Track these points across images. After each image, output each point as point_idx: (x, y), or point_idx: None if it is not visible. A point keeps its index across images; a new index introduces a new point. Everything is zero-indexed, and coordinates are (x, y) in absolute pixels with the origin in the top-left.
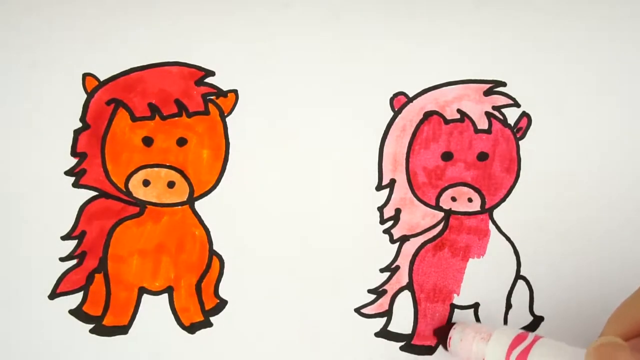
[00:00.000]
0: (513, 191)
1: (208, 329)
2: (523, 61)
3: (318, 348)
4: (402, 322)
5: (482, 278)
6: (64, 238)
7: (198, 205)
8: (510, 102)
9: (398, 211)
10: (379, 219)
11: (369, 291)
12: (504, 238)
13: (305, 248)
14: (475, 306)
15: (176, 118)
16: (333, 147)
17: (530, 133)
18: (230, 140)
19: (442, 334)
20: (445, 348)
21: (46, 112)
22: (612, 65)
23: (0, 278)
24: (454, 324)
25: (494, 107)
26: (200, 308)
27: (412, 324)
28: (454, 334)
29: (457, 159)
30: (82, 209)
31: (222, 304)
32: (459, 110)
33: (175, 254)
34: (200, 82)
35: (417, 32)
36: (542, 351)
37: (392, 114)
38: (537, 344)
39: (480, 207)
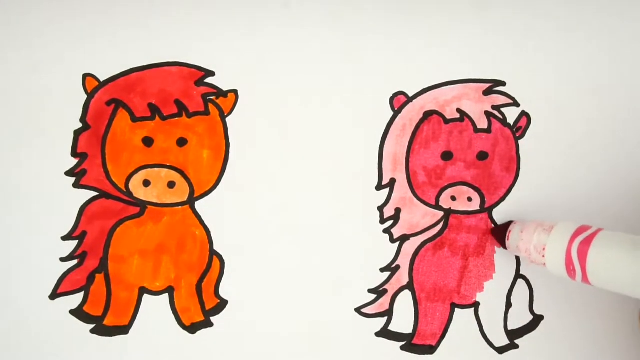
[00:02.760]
0: (512, 190)
1: (209, 328)
2: (523, 61)
3: (318, 348)
4: (403, 321)
5: (482, 277)
6: (64, 238)
7: (198, 205)
8: (510, 101)
9: (398, 211)
10: (379, 219)
11: (370, 291)
12: None
13: (305, 248)
14: (476, 305)
15: (176, 118)
16: (333, 147)
17: (530, 132)
18: (230, 141)
19: (499, 232)
20: (503, 246)
21: (46, 112)
22: (611, 65)
23: (1, 278)
24: (511, 222)
25: (493, 107)
26: (201, 308)
27: (412, 324)
28: (514, 227)
29: (457, 158)
30: (82, 210)
31: (222, 304)
32: (458, 110)
33: (176, 254)
34: (200, 82)
35: (417, 32)
36: (604, 240)
37: (392, 113)
38: (600, 234)
39: (480, 206)
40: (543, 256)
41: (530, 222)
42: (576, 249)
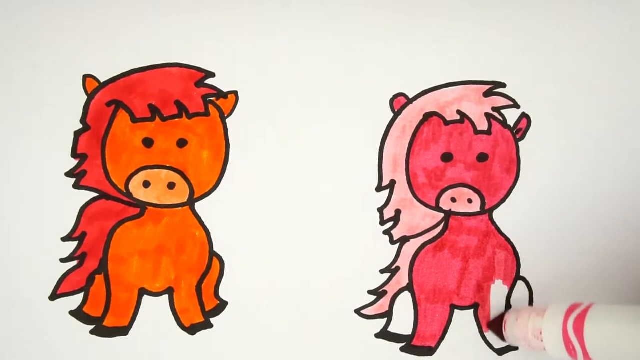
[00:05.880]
0: (513, 192)
1: (208, 330)
2: (523, 62)
3: (318, 349)
4: (403, 323)
5: (482, 278)
6: (64, 239)
7: (198, 206)
8: (510, 103)
9: (398, 212)
10: (379, 220)
11: (369, 292)
12: (503, 239)
13: (305, 249)
14: (475, 307)
15: (176, 119)
16: (333, 148)
17: (530, 134)
18: (230, 142)
19: (495, 325)
20: (502, 337)
21: (47, 113)
22: (611, 66)
23: (0, 279)
24: (504, 313)
25: (493, 108)
26: (201, 309)
27: (412, 325)
28: (509, 318)
29: (457, 160)
30: (82, 210)
31: (222, 305)
32: (458, 112)
33: (176, 255)
34: (200, 83)
35: (417, 32)
36: (598, 313)
37: (392, 115)
38: (593, 308)
39: (480, 208)
40: (542, 340)
41: (523, 309)
42: (572, 327)
